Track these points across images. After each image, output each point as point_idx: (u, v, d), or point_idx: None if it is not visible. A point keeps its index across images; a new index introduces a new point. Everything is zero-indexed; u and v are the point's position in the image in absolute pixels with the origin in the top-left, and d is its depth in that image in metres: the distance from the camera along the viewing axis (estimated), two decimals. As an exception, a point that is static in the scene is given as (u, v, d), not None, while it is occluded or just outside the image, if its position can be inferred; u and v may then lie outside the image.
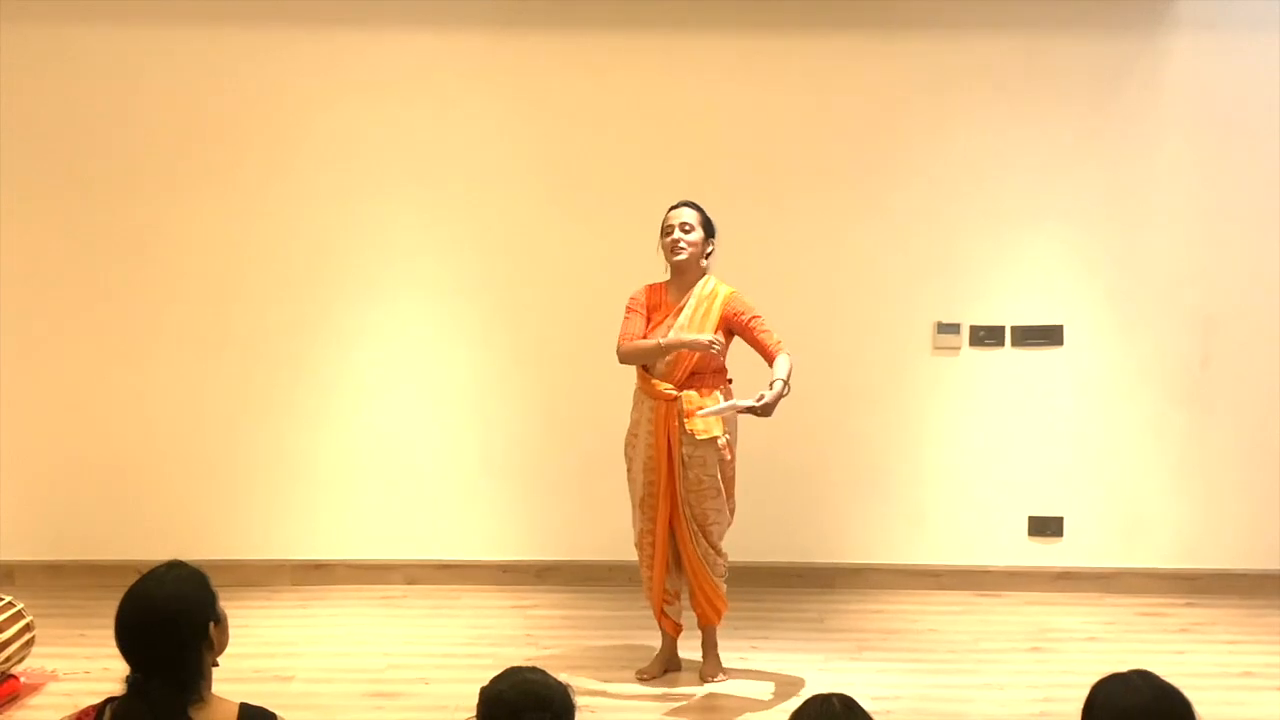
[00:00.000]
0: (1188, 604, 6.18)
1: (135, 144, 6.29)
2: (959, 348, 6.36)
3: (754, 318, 4.96)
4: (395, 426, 6.38)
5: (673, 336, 4.93)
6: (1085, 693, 2.55)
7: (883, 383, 6.35)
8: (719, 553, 5.07)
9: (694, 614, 5.17)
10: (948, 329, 6.34)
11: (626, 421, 5.09)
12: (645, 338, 5.01)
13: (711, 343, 4.82)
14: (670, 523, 5.02)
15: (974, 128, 6.30)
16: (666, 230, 5.02)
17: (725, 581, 5.12)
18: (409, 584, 6.34)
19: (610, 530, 5.81)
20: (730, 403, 4.83)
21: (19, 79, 6.25)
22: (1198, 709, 2.48)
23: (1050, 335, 6.33)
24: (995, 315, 6.34)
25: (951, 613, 6.04)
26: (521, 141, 6.32)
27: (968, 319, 6.35)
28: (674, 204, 5.08)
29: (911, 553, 6.39)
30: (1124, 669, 2.57)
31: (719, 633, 5.21)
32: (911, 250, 6.32)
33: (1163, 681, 2.50)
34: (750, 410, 4.76)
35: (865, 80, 6.29)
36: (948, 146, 6.30)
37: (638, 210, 5.93)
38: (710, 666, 5.16)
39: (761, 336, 4.94)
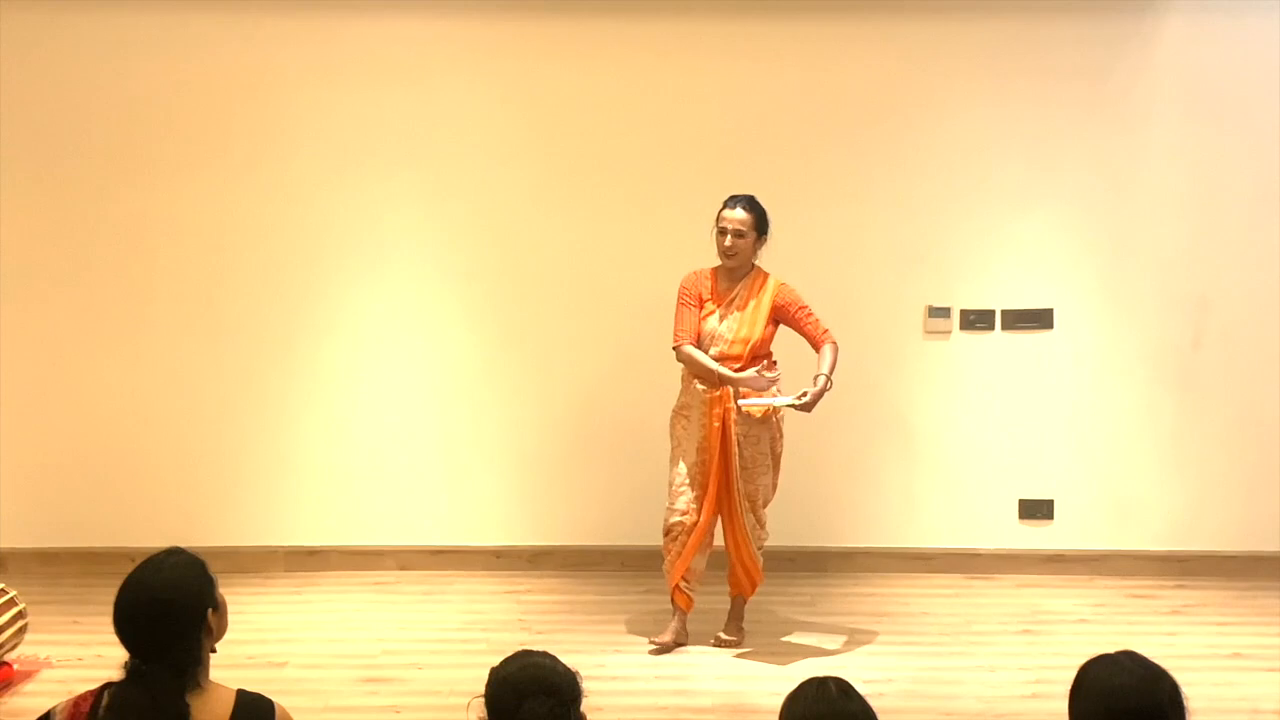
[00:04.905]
0: (1178, 586, 6.20)
1: (124, 131, 6.26)
2: (950, 331, 6.37)
3: (801, 308, 5.25)
4: (388, 412, 6.38)
5: (740, 374, 5.13)
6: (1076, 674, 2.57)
7: (873, 366, 6.34)
8: (762, 525, 5.34)
9: (728, 586, 5.40)
10: (938, 312, 6.35)
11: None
12: (699, 331, 5.20)
13: (771, 384, 5.12)
14: (716, 502, 5.22)
15: (964, 110, 6.29)
16: (720, 230, 5.21)
17: (762, 555, 5.36)
18: (402, 569, 6.34)
19: (603, 515, 5.82)
20: (775, 399, 5.12)
21: (3, 65, 6.22)
22: (1188, 690, 2.50)
23: (1041, 318, 6.34)
24: (986, 298, 6.35)
25: (943, 596, 6.07)
26: (514, 126, 6.29)
27: (958, 302, 6.36)
28: (730, 199, 5.23)
29: (903, 536, 6.41)
30: (1114, 650, 2.58)
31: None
32: (902, 233, 6.32)
33: (1150, 662, 2.51)
34: (793, 407, 5.09)
35: (854, 63, 6.28)
36: (938, 129, 6.30)
37: (629, 194, 5.96)
38: (731, 630, 5.38)
39: (809, 327, 5.26)
